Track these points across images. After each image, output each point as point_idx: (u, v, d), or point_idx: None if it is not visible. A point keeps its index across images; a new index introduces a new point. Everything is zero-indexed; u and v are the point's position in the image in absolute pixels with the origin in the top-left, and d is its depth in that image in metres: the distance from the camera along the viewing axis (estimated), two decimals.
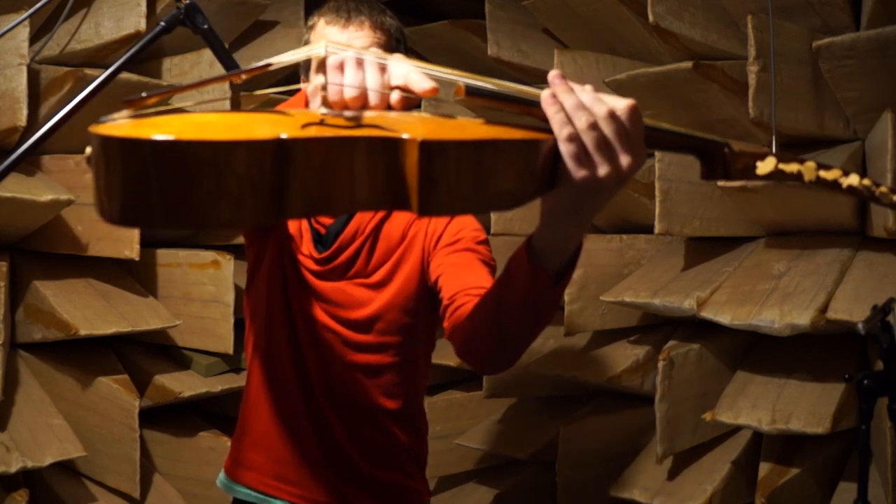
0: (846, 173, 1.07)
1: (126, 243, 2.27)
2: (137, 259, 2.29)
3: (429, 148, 0.85)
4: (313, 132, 0.86)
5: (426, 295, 1.58)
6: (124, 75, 2.08)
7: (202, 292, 2.46)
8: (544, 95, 0.96)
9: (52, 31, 2.26)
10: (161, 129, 0.82)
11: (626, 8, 2.38)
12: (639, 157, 0.95)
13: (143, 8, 2.28)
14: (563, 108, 0.94)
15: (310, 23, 1.62)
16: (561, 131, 0.93)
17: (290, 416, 1.61)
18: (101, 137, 0.81)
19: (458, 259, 1.52)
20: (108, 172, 0.81)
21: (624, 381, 2.41)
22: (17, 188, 2.12)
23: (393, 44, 1.60)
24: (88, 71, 2.27)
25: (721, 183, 2.13)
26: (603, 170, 0.93)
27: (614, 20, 2.46)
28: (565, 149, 0.93)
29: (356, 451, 1.61)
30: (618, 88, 2.38)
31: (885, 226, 1.89)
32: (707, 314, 2.13)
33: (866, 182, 1.08)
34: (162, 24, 1.44)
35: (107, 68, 1.40)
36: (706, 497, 2.22)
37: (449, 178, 0.86)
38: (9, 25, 2.01)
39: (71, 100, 1.37)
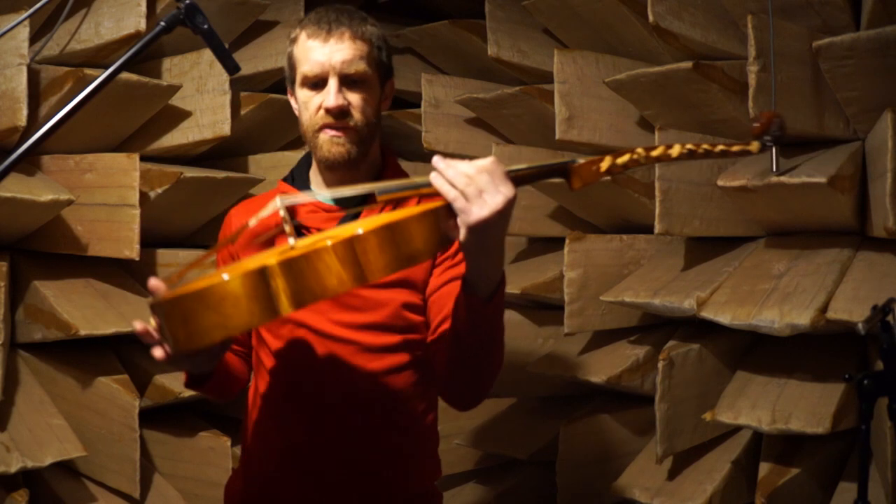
0: (669, 146, 1.39)
1: (126, 243, 2.27)
2: (137, 259, 2.29)
3: (365, 237, 1.22)
4: (286, 255, 1.21)
5: None
6: (124, 75, 2.09)
7: None
8: (432, 177, 1.31)
9: (52, 31, 2.26)
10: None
11: (626, 8, 2.38)
12: (508, 196, 1.29)
13: (143, 8, 2.28)
14: (446, 180, 1.29)
15: (292, 35, 1.64)
16: (449, 194, 1.29)
17: (305, 446, 1.60)
18: (160, 302, 1.25)
19: (450, 288, 1.57)
20: (168, 322, 1.23)
21: (624, 381, 2.41)
22: (17, 188, 2.12)
23: (374, 52, 1.61)
24: (88, 71, 2.27)
25: (721, 182, 2.13)
26: (485, 210, 1.27)
27: (614, 20, 2.46)
28: (455, 205, 1.28)
29: (381, 466, 1.61)
30: (618, 88, 2.38)
31: (885, 226, 1.88)
32: (707, 314, 2.13)
33: (690, 146, 1.38)
34: (162, 24, 1.43)
35: (107, 68, 1.40)
36: (706, 497, 2.22)
37: (384, 251, 1.23)
38: (9, 25, 2.01)
39: (71, 100, 1.37)
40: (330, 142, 1.57)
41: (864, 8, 2.03)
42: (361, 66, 1.58)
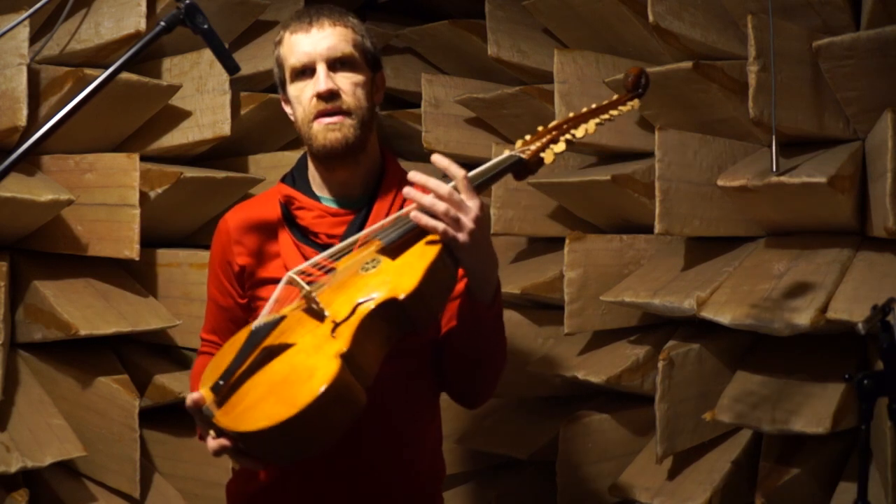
0: (585, 119, 1.58)
1: (126, 243, 2.27)
2: (137, 259, 2.29)
3: (409, 297, 1.33)
4: (346, 335, 1.30)
5: None
6: (124, 75, 2.09)
7: (202, 292, 2.43)
8: (413, 216, 1.41)
9: (52, 31, 2.26)
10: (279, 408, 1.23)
11: (626, 8, 2.38)
12: (477, 208, 1.40)
13: (143, 8, 2.28)
14: (424, 213, 1.39)
15: (277, 38, 1.65)
16: (437, 228, 1.38)
17: (314, 465, 1.57)
18: (249, 433, 1.26)
19: (455, 305, 1.59)
20: (276, 445, 1.26)
21: (624, 381, 2.41)
22: (17, 188, 2.12)
23: (358, 38, 1.62)
24: (88, 71, 2.27)
25: (721, 182, 2.13)
26: (465, 230, 1.38)
27: (614, 20, 2.46)
28: (444, 238, 1.39)
29: (386, 468, 1.61)
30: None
31: (885, 226, 1.89)
32: (707, 314, 2.13)
33: (596, 120, 1.58)
34: (162, 24, 1.43)
35: (107, 68, 1.40)
36: (706, 497, 2.22)
37: (425, 301, 1.36)
38: (9, 25, 2.01)
39: (71, 100, 1.37)
40: (325, 129, 1.57)
41: (864, 8, 2.03)
42: (347, 49, 1.59)
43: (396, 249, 1.43)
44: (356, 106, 1.58)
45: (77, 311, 2.26)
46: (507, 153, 1.54)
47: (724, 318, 2.09)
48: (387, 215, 1.60)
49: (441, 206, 1.37)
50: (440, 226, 1.38)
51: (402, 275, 1.36)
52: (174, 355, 2.59)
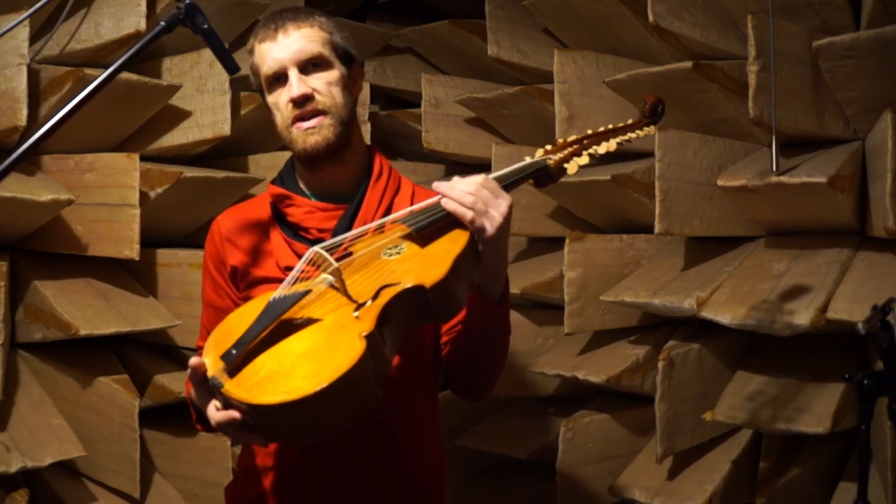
0: (606, 138, 1.61)
1: (126, 243, 2.27)
2: (137, 259, 2.29)
3: (436, 286, 1.32)
4: (370, 316, 1.28)
5: None
6: (124, 75, 2.09)
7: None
8: (443, 202, 1.43)
9: (52, 31, 2.26)
10: (298, 383, 1.20)
11: (626, 8, 2.38)
12: (509, 202, 1.44)
13: (143, 8, 2.28)
14: (454, 201, 1.41)
15: (248, 47, 1.65)
16: (466, 216, 1.41)
17: (310, 451, 1.57)
18: (269, 405, 1.21)
19: None
20: (288, 422, 1.23)
21: (624, 381, 2.41)
22: (17, 188, 2.12)
23: (327, 36, 1.61)
24: (88, 71, 2.27)
25: (721, 182, 2.13)
26: (496, 222, 1.41)
27: (614, 20, 2.46)
28: (472, 227, 1.41)
29: (388, 471, 1.60)
30: (618, 88, 2.38)
31: (885, 226, 1.89)
32: (707, 314, 2.13)
33: (616, 140, 1.61)
34: (162, 24, 1.43)
35: (107, 68, 1.40)
36: (706, 497, 2.22)
37: (450, 292, 1.35)
38: (9, 25, 2.00)
39: (71, 100, 1.37)
40: (304, 134, 1.57)
41: (864, 8, 2.03)
42: (316, 49, 1.58)
43: (422, 238, 1.42)
44: (332, 104, 1.58)
45: (77, 311, 2.26)
46: (529, 159, 1.55)
47: (724, 318, 2.09)
48: (377, 207, 1.60)
49: (469, 198, 1.40)
50: (469, 214, 1.40)
51: (429, 264, 1.35)
52: (174, 355, 2.59)
